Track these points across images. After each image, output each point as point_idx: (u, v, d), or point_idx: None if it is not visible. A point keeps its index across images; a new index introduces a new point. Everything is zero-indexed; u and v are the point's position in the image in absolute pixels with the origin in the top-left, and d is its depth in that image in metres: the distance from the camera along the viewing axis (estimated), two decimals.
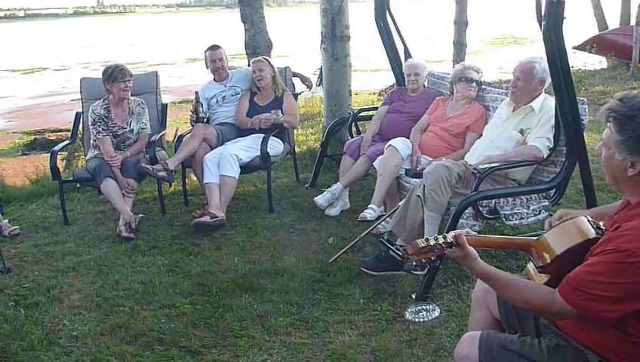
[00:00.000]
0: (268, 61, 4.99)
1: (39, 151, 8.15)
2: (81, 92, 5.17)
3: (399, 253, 3.13)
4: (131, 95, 4.75)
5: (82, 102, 5.11)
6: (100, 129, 4.57)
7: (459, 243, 1.84)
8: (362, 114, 5.26)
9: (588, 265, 1.70)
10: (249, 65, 6.45)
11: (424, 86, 4.79)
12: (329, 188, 4.54)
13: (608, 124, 1.73)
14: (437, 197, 3.40)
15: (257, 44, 6.98)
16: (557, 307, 1.71)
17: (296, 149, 5.75)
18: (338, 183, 4.52)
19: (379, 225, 3.87)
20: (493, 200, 3.45)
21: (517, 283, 1.84)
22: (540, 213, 3.55)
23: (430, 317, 3.05)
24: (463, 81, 4.19)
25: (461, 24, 9.62)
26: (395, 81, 5.29)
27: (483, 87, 4.29)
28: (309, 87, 6.10)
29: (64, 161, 5.99)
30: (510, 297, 1.87)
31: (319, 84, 6.42)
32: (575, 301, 1.68)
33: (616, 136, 1.70)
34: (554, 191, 3.60)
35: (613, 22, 13.25)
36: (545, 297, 1.75)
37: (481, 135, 3.97)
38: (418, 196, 3.46)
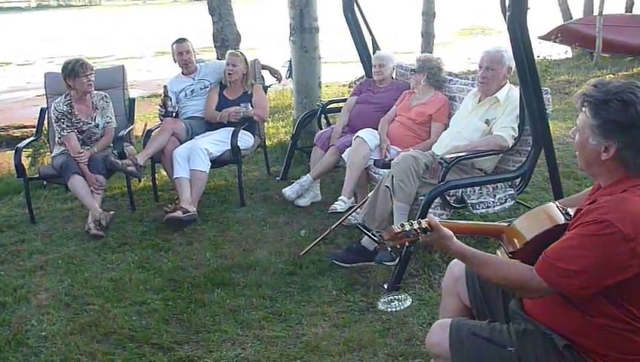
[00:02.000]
0: (244, 57, 4.95)
1: (3, 148, 7.93)
2: (45, 87, 5.06)
3: (375, 238, 3.16)
4: (98, 90, 4.67)
5: (47, 98, 5.00)
6: (64, 126, 4.47)
7: (432, 226, 1.85)
8: (331, 106, 5.27)
9: (566, 239, 1.72)
10: (218, 58, 6.40)
11: (392, 78, 4.81)
12: (298, 180, 4.55)
13: (583, 108, 1.75)
14: (405, 188, 3.43)
15: (225, 36, 6.93)
16: (534, 284, 1.72)
17: (267, 142, 5.72)
18: (307, 175, 4.54)
19: (350, 217, 3.90)
20: (460, 190, 3.49)
21: (495, 261, 1.87)
22: (505, 202, 3.61)
23: (402, 307, 3.08)
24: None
25: (429, 15, 9.67)
26: (364, 73, 5.31)
27: (449, 78, 4.34)
28: (279, 79, 6.08)
29: (29, 157, 5.86)
30: (487, 275, 1.86)
31: (289, 77, 6.39)
32: (552, 277, 1.69)
33: (591, 121, 1.72)
34: (519, 180, 3.67)
35: (577, 12, 13.48)
36: (523, 274, 1.76)
37: (446, 125, 4.03)
38: (387, 187, 3.49)
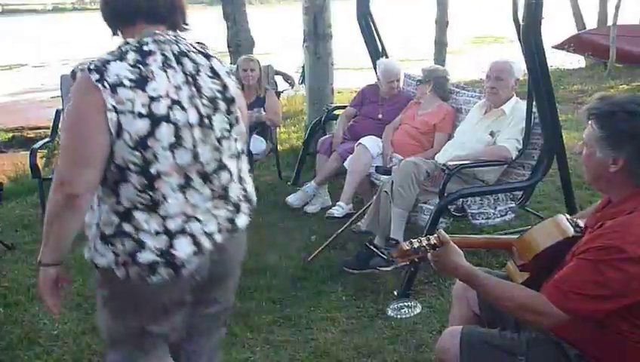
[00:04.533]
0: (257, 62, 5.00)
1: (17, 148, 8.04)
2: (61, 89, 5.11)
3: (384, 256, 3.18)
4: None
5: (62, 100, 5.06)
6: None
7: (442, 241, 1.85)
8: (336, 112, 5.28)
9: (575, 266, 1.71)
10: (231, 64, 6.44)
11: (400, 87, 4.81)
12: (302, 188, 4.58)
13: (590, 122, 1.76)
14: (404, 194, 3.44)
15: (239, 41, 6.97)
16: (546, 310, 1.71)
17: (279, 147, 5.75)
18: (311, 182, 4.56)
19: (359, 223, 3.91)
20: (461, 199, 3.48)
21: (505, 286, 1.84)
22: (506, 214, 3.60)
23: (412, 314, 3.09)
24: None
25: (442, 23, 9.69)
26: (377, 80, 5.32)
27: (457, 89, 4.38)
28: (292, 85, 6.11)
29: (43, 158, 5.92)
30: (498, 298, 1.82)
31: (302, 82, 6.42)
32: (565, 304, 1.68)
33: (597, 133, 1.72)
34: (522, 193, 3.66)
35: (591, 22, 13.43)
36: (533, 300, 1.75)
37: (451, 135, 4.03)
38: (386, 192, 3.50)
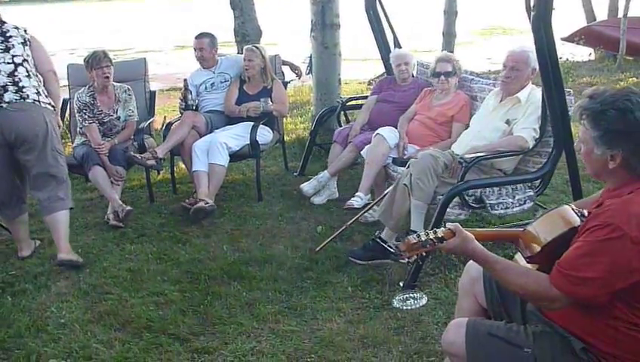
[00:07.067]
0: (260, 52, 4.90)
1: None
2: (68, 78, 5.12)
3: (392, 250, 3.18)
4: (120, 82, 4.71)
5: (69, 89, 5.05)
6: (86, 116, 4.53)
7: (454, 230, 1.87)
8: (351, 103, 5.27)
9: (575, 248, 1.73)
10: (238, 53, 6.43)
11: (413, 75, 4.80)
12: (316, 176, 4.56)
13: (582, 121, 1.79)
14: (423, 186, 3.42)
15: (246, 31, 6.96)
16: (552, 294, 1.74)
17: (286, 138, 5.74)
18: (325, 171, 4.54)
19: (366, 214, 3.90)
20: (479, 190, 3.48)
21: (516, 269, 1.87)
22: (524, 203, 3.59)
23: (418, 305, 3.08)
24: (436, 76, 4.25)
25: (451, 14, 9.59)
26: (385, 71, 5.30)
27: (471, 77, 4.33)
28: (299, 75, 6.11)
29: None
30: (507, 282, 1.85)
31: (309, 73, 6.41)
32: (566, 287, 1.70)
33: (592, 132, 1.75)
34: (539, 181, 3.64)
35: (602, 14, 13.30)
36: (541, 283, 1.77)
37: (467, 125, 4.01)
38: (405, 185, 3.48)
